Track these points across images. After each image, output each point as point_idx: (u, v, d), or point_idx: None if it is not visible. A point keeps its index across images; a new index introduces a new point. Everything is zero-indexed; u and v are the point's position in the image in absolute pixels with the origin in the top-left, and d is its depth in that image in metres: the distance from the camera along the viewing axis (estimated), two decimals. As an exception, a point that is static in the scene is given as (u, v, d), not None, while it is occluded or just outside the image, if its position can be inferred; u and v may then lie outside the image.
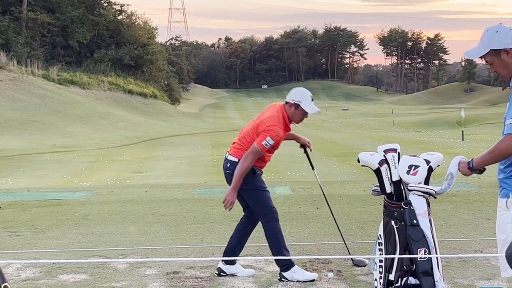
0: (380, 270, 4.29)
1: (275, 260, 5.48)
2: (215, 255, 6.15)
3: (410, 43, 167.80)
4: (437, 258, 4.11)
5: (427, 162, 4.23)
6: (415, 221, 4.10)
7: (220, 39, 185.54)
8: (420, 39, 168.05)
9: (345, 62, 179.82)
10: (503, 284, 4.78)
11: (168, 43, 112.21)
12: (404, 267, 4.14)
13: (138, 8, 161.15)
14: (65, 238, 7.26)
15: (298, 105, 5.40)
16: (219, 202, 9.10)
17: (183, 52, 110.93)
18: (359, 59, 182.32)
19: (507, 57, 3.58)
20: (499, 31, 3.61)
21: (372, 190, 4.47)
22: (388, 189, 4.26)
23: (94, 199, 10.35)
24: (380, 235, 4.34)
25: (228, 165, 5.47)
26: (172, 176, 17.44)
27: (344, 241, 6.06)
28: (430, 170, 4.23)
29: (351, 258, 5.78)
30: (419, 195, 4.15)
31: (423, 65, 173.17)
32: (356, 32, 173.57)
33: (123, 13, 77.41)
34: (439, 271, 4.13)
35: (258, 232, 7.33)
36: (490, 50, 3.61)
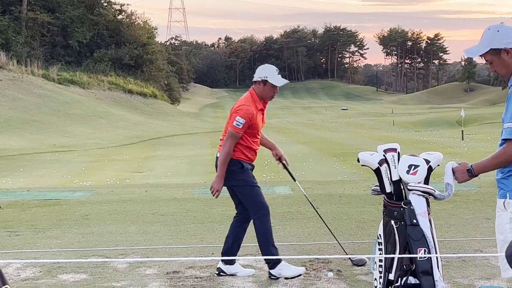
0: (380, 269, 4.29)
1: (264, 255, 5.48)
2: (215, 255, 6.16)
3: (410, 43, 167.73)
4: (437, 257, 4.11)
5: (427, 161, 4.23)
6: (415, 221, 4.10)
7: (220, 38, 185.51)
8: (420, 39, 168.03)
9: (345, 61, 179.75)
10: (503, 283, 4.78)
11: (168, 43, 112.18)
12: (404, 266, 4.14)
13: (138, 8, 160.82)
14: (65, 238, 7.26)
15: (266, 80, 5.45)
16: (219, 201, 9.10)
17: (183, 51, 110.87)
18: (359, 59, 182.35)
19: (507, 57, 3.58)
20: (500, 30, 3.60)
21: (372, 190, 4.46)
22: (388, 188, 4.26)
23: (94, 198, 10.35)
24: (380, 235, 4.34)
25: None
26: (172, 176, 17.44)
27: (338, 241, 6.04)
28: (430, 169, 4.23)
29: (349, 258, 5.78)
30: (419, 194, 4.15)
31: (423, 64, 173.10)
32: (356, 32, 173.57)
33: (123, 13, 77.37)
34: (439, 271, 4.13)
35: (258, 232, 7.35)
36: (490, 49, 3.61)
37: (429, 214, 4.20)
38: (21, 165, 21.98)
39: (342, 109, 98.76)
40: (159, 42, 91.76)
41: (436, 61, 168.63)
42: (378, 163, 4.29)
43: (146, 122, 51.66)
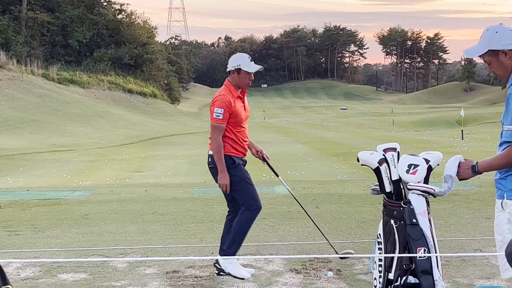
0: (380, 269, 4.29)
1: (225, 243, 5.47)
2: (215, 254, 6.15)
3: (409, 42, 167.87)
4: (436, 257, 4.11)
5: (427, 161, 4.23)
6: (414, 220, 4.10)
7: (219, 38, 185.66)
8: (419, 38, 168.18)
9: (344, 61, 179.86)
10: (503, 283, 4.78)
11: (167, 42, 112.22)
12: (404, 266, 4.14)
13: (138, 7, 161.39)
14: (65, 237, 7.27)
15: (239, 69, 5.47)
16: (219, 201, 9.11)
17: (183, 51, 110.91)
18: (359, 58, 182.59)
19: (505, 58, 3.57)
20: (499, 32, 3.59)
21: (372, 189, 4.46)
22: (388, 188, 4.26)
23: (94, 198, 10.35)
24: (379, 234, 4.34)
25: (210, 159, 5.53)
26: (171, 175, 17.44)
27: (327, 239, 6.00)
28: (430, 169, 4.23)
29: (339, 257, 5.70)
30: (419, 194, 4.15)
31: (422, 64, 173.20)
32: (356, 31, 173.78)
33: (123, 12, 77.45)
34: (439, 270, 4.14)
35: (257, 232, 7.35)
36: (489, 50, 3.60)
37: (428, 213, 4.20)
38: (21, 164, 21.98)
39: (342, 109, 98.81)
40: (159, 42, 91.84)
41: (436, 61, 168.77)
42: (378, 162, 4.29)
43: (146, 121, 51.67)
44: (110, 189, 11.57)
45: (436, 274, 4.10)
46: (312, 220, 6.10)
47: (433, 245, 4.13)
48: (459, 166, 3.83)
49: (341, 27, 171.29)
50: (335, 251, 5.81)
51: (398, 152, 4.35)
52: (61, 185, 14.11)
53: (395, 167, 4.25)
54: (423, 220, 4.13)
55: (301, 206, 6.14)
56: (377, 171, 4.30)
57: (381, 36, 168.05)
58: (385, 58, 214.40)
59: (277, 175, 5.92)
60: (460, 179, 3.87)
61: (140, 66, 71.89)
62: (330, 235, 7.05)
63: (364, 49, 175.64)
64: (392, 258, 4.19)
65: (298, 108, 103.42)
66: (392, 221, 4.20)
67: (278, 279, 5.41)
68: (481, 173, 3.76)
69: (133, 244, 6.85)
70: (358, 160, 4.42)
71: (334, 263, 5.84)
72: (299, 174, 16.26)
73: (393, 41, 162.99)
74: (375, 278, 4.37)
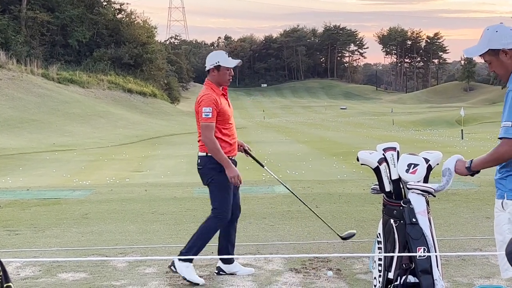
0: (380, 268, 4.30)
1: (186, 246, 5.41)
2: (215, 254, 6.15)
3: (409, 42, 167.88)
4: (436, 256, 4.12)
5: (426, 160, 4.23)
6: (414, 220, 4.11)
7: (219, 38, 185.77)
8: (419, 38, 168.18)
9: (344, 61, 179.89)
10: (502, 282, 4.78)
11: (167, 42, 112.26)
12: (403, 265, 4.14)
13: (138, 7, 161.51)
14: (65, 237, 7.27)
15: (219, 65, 5.44)
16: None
17: (183, 51, 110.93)
18: (359, 58, 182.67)
19: (506, 58, 3.57)
20: (499, 31, 3.59)
21: (371, 189, 4.47)
22: (387, 187, 4.27)
23: (94, 198, 10.35)
24: (379, 234, 4.34)
25: (199, 160, 5.51)
26: (171, 175, 17.44)
27: (326, 224, 5.97)
28: (429, 168, 4.23)
29: (339, 235, 5.61)
30: (418, 193, 4.15)
31: (422, 64, 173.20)
32: (356, 31, 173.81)
33: (123, 12, 77.39)
34: (438, 270, 4.14)
35: (257, 231, 7.36)
36: (489, 49, 3.60)
37: (428, 213, 4.21)
38: (21, 164, 21.98)
39: (341, 108, 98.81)
40: (159, 41, 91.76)
41: (436, 60, 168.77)
42: (378, 162, 4.29)
43: (145, 121, 51.66)
44: (110, 189, 11.57)
45: (436, 273, 4.10)
46: (304, 203, 6.10)
47: (432, 244, 4.13)
48: (456, 163, 3.85)
49: (341, 27, 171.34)
50: (337, 234, 5.73)
51: (397, 151, 4.36)
52: (60, 184, 14.11)
53: (394, 167, 4.25)
54: (422, 220, 4.13)
55: (291, 191, 6.14)
56: (376, 170, 4.30)
57: (381, 35, 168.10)
58: (385, 57, 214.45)
59: (262, 166, 5.88)
60: (456, 173, 3.87)
61: (140, 65, 71.86)
62: (330, 234, 7.06)
63: (364, 48, 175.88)
64: (392, 257, 4.19)
65: (298, 107, 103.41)
66: (391, 221, 4.20)
67: (278, 279, 5.41)
68: (474, 171, 3.76)
69: (133, 244, 6.85)
70: (358, 160, 4.42)
71: (334, 263, 5.85)
72: (299, 174, 16.25)
73: (393, 40, 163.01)
74: (374, 278, 4.37)
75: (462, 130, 35.70)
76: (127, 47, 70.27)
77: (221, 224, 5.47)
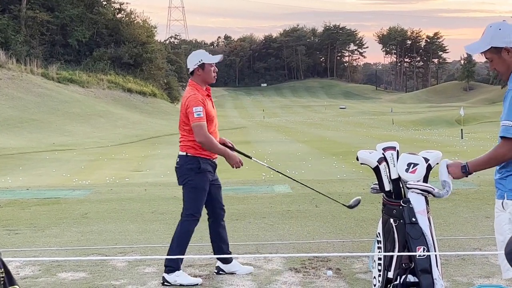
0: (379, 268, 4.29)
1: (166, 260, 5.36)
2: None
3: (409, 42, 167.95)
4: (436, 256, 4.12)
5: (426, 160, 4.23)
6: (414, 219, 4.10)
7: (219, 37, 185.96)
8: (419, 38, 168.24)
9: (344, 60, 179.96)
10: (502, 282, 4.78)
11: (167, 42, 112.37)
12: (403, 265, 4.14)
13: (137, 7, 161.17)
14: (64, 236, 7.27)
15: (203, 63, 5.43)
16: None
17: (182, 50, 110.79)
18: (358, 58, 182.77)
19: (508, 56, 3.55)
20: (502, 29, 3.57)
21: (371, 188, 4.47)
22: (387, 187, 4.26)
23: (93, 197, 10.35)
24: (379, 233, 4.34)
25: (178, 160, 5.50)
26: (171, 175, 17.33)
27: (329, 197, 5.91)
28: (429, 168, 4.23)
29: (348, 206, 5.36)
30: (418, 193, 4.15)
31: (422, 63, 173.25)
32: (355, 31, 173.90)
33: (122, 12, 77.36)
34: (438, 269, 4.14)
35: (257, 231, 7.36)
36: (491, 47, 3.59)
37: (428, 212, 4.20)
38: (20, 164, 21.98)
39: (340, 108, 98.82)
40: (159, 41, 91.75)
41: (436, 60, 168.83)
42: (377, 161, 4.29)
43: (145, 121, 51.66)
44: (110, 188, 11.57)
45: (436, 273, 4.10)
46: (303, 183, 6.09)
47: (432, 244, 4.13)
48: (448, 167, 3.86)
49: (340, 26, 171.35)
50: (343, 204, 5.48)
51: (397, 151, 4.35)
52: (60, 184, 14.11)
53: (394, 166, 4.25)
54: (422, 219, 4.13)
55: (284, 174, 6.14)
56: (376, 170, 4.30)
57: (380, 35, 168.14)
58: (384, 57, 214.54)
59: (250, 158, 5.83)
60: (455, 178, 3.89)
61: (140, 65, 71.83)
62: (329, 234, 7.07)
63: (364, 48, 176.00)
64: (392, 257, 4.19)
65: (298, 107, 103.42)
66: (391, 220, 4.20)
67: (277, 278, 5.41)
68: (472, 173, 3.77)
69: (132, 243, 6.85)
70: (357, 159, 4.42)
71: (334, 262, 5.85)
72: (298, 173, 16.24)
73: (393, 40, 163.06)
74: (374, 277, 4.37)
75: (461, 129, 35.70)
76: (127, 46, 70.25)
77: (195, 225, 5.46)
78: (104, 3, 75.69)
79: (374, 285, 4.35)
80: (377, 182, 4.35)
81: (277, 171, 6.19)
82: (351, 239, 6.80)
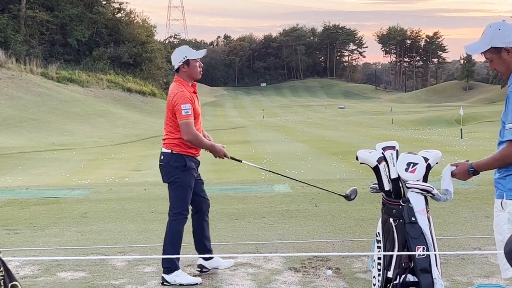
0: (379, 267, 4.29)
1: (165, 261, 5.35)
2: (213, 253, 6.15)
3: (409, 41, 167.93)
4: (435, 255, 4.11)
5: (426, 159, 4.23)
6: (413, 219, 4.10)
7: (219, 37, 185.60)
8: (419, 37, 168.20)
9: (344, 60, 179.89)
10: (502, 281, 4.78)
11: (167, 41, 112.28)
12: (403, 264, 4.14)
13: (137, 6, 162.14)
14: (64, 236, 7.27)
15: (188, 60, 5.41)
16: (217, 200, 9.12)
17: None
18: (358, 57, 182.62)
19: (508, 56, 3.55)
20: (502, 29, 3.56)
21: (371, 188, 4.46)
22: (387, 186, 4.26)
23: (93, 197, 10.35)
24: (378, 233, 4.34)
25: (162, 157, 5.50)
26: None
27: (326, 189, 5.88)
28: (429, 167, 4.23)
29: (345, 196, 5.14)
30: (418, 192, 4.15)
31: (422, 63, 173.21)
32: (355, 30, 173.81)
33: (122, 11, 77.48)
34: (438, 269, 4.14)
35: (256, 230, 7.36)
36: (491, 47, 3.58)
37: (427, 212, 4.20)
38: (20, 163, 21.98)
39: (340, 108, 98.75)
40: (158, 41, 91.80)
41: (435, 60, 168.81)
42: (377, 161, 4.29)
43: (145, 120, 51.66)
44: (109, 188, 11.56)
45: (435, 272, 4.10)
46: (296, 180, 6.08)
47: (432, 243, 4.13)
48: (454, 175, 3.88)
49: (340, 26, 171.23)
50: (340, 195, 5.33)
51: (397, 150, 4.35)
52: (60, 183, 14.10)
53: (394, 166, 4.25)
54: (422, 219, 4.13)
55: (278, 173, 6.11)
56: (376, 169, 4.30)
57: (380, 35, 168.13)
58: (384, 57, 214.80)
59: (240, 161, 5.84)
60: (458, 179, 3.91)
61: (139, 65, 71.89)
62: (329, 233, 7.07)
63: (363, 48, 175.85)
64: (391, 256, 4.19)
65: (297, 107, 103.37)
66: (391, 220, 4.20)
67: (277, 278, 5.41)
68: (478, 172, 3.77)
69: (132, 243, 6.85)
70: (357, 159, 4.42)
71: (333, 262, 5.85)
72: (298, 173, 16.25)
73: (392, 40, 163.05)
74: (374, 277, 4.37)
75: (461, 129, 35.69)
76: (126, 46, 70.31)
77: (184, 222, 5.46)
78: (104, 2, 75.76)
79: (374, 285, 4.35)
80: (376, 182, 4.35)
81: (269, 170, 6.19)
82: (350, 238, 6.80)
